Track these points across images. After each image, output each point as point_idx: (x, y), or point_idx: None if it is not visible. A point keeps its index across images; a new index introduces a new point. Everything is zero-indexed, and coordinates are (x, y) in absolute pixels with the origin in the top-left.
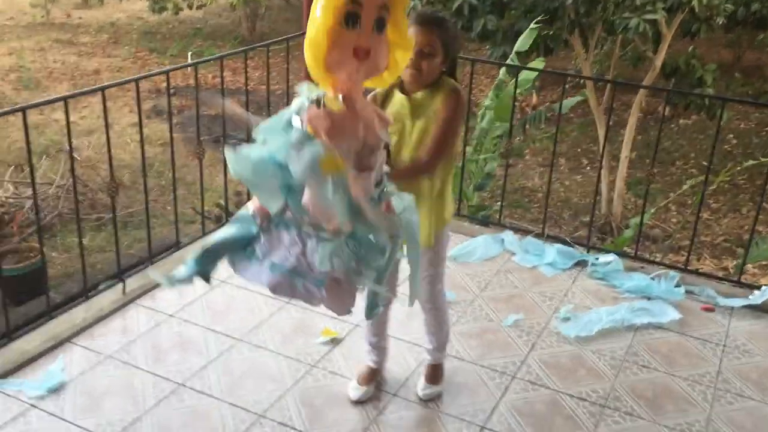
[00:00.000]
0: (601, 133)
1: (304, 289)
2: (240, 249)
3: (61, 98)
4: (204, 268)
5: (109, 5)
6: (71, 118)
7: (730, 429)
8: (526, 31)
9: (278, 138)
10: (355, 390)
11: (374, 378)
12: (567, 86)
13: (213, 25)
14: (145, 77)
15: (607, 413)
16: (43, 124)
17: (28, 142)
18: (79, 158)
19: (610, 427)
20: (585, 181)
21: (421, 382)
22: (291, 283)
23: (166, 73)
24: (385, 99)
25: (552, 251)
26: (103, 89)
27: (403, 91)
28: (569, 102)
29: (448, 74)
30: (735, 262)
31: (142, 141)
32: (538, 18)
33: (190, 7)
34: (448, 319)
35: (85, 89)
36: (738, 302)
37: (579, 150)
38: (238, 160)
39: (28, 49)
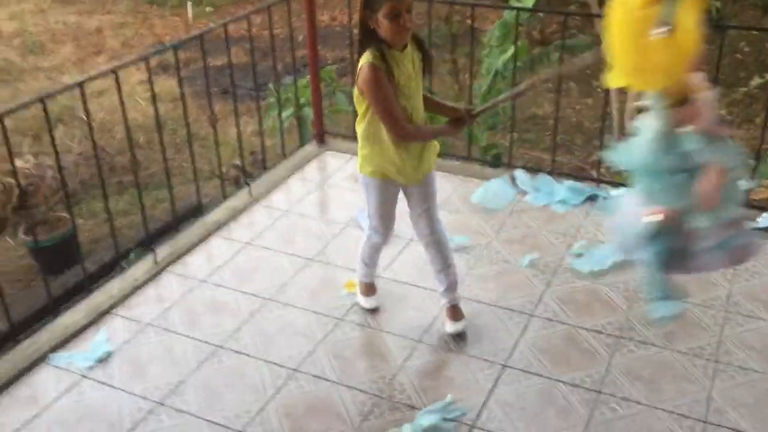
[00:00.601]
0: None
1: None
2: (669, 255)
3: (76, 84)
4: (669, 293)
5: None
6: (79, 79)
7: (739, 349)
8: None
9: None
10: (372, 300)
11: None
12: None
13: None
14: (152, 55)
15: (623, 342)
16: (52, 88)
17: (51, 131)
18: (94, 123)
19: (625, 356)
20: (597, 103)
21: (446, 324)
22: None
23: (174, 49)
24: (390, 65)
25: (562, 188)
26: (115, 71)
27: (390, 50)
28: (572, 44)
29: None
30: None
31: (159, 130)
32: None
33: None
34: (451, 253)
35: (98, 72)
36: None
37: (589, 71)
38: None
39: (28, 11)
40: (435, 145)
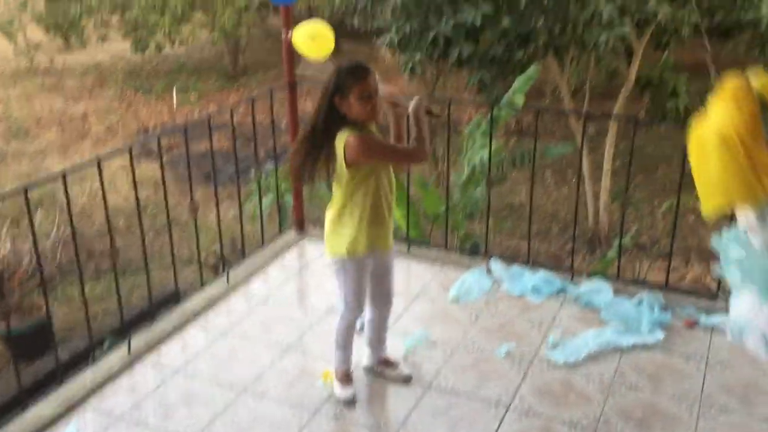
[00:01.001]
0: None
1: None
2: None
3: (59, 173)
4: None
5: (92, 47)
6: (61, 166)
7: None
8: (522, 76)
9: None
10: (348, 390)
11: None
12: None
13: (196, 60)
14: (137, 145)
15: None
16: (34, 173)
17: (31, 220)
18: (75, 209)
19: None
20: (572, 193)
21: (398, 368)
22: None
23: (157, 138)
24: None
25: (537, 278)
26: (98, 161)
27: (363, 128)
28: (554, 151)
29: None
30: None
31: (140, 217)
32: (514, 48)
33: (172, 44)
34: None
35: (82, 162)
36: (717, 320)
37: (564, 161)
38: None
39: (15, 97)
40: (392, 218)
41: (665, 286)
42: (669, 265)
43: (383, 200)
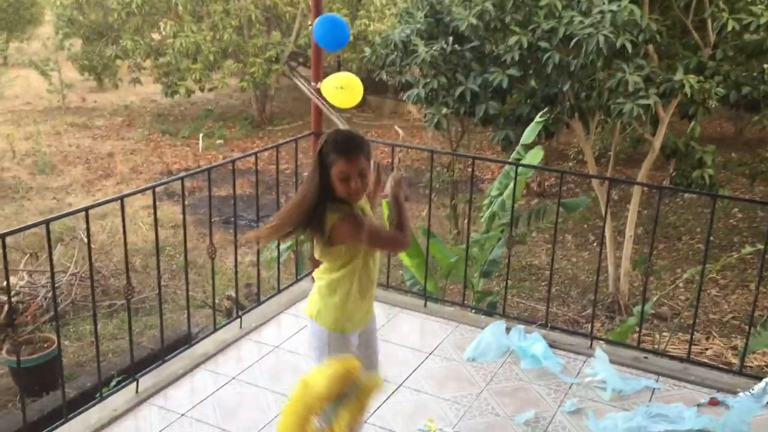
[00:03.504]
0: (603, 214)
1: None
2: None
3: (82, 209)
4: None
5: (123, 89)
6: (85, 202)
7: None
8: (531, 124)
9: None
10: None
11: None
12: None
13: (224, 106)
14: (160, 185)
15: None
16: (57, 208)
17: (50, 254)
18: (94, 246)
19: None
20: (592, 257)
21: None
22: None
23: (181, 179)
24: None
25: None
26: (122, 198)
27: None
28: (575, 203)
29: None
30: (740, 348)
31: (158, 257)
32: (540, 108)
33: (201, 89)
34: None
35: (106, 199)
36: (740, 401)
37: (585, 226)
38: None
39: (44, 133)
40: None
41: (686, 359)
42: (691, 338)
43: (370, 275)
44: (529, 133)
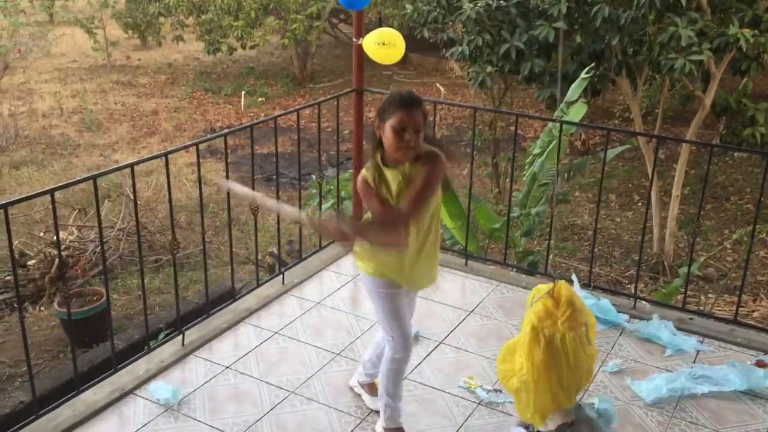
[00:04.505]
0: (650, 172)
1: None
2: None
3: (128, 165)
4: None
5: (167, 47)
6: (130, 159)
7: None
8: (577, 80)
9: None
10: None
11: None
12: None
13: (265, 63)
14: (204, 141)
15: None
16: (104, 165)
17: (98, 209)
18: (140, 202)
19: None
20: (636, 217)
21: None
22: None
23: (224, 136)
24: (379, 180)
25: (594, 309)
26: (166, 155)
27: (387, 166)
28: (614, 151)
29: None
30: None
31: (202, 213)
32: (587, 65)
33: (243, 47)
34: None
35: (150, 155)
36: None
37: (630, 185)
38: None
39: (90, 91)
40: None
41: (733, 320)
42: (739, 299)
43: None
44: (575, 90)
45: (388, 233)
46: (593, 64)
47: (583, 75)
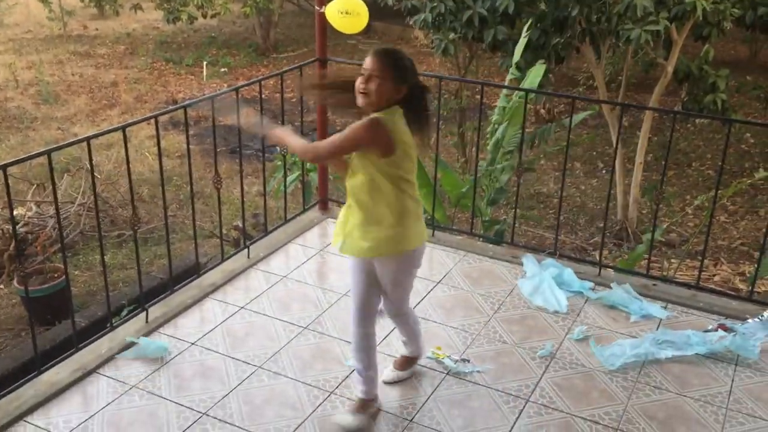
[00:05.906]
0: (614, 140)
1: None
2: None
3: (84, 139)
4: None
5: (125, 16)
6: (90, 132)
7: None
8: (520, 40)
9: None
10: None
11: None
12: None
13: (227, 33)
14: (164, 113)
15: None
16: (63, 138)
17: (54, 183)
18: (99, 176)
19: None
20: (600, 185)
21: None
22: None
23: (184, 108)
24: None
25: (558, 279)
26: (123, 128)
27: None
28: (578, 117)
29: (412, 104)
30: (749, 274)
31: (162, 187)
32: (550, 33)
33: (204, 16)
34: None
35: (108, 129)
36: (749, 327)
37: (594, 153)
38: None
39: (47, 62)
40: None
41: (695, 286)
42: (701, 264)
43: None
44: (519, 51)
45: (305, 151)
46: (530, 22)
47: (524, 34)
